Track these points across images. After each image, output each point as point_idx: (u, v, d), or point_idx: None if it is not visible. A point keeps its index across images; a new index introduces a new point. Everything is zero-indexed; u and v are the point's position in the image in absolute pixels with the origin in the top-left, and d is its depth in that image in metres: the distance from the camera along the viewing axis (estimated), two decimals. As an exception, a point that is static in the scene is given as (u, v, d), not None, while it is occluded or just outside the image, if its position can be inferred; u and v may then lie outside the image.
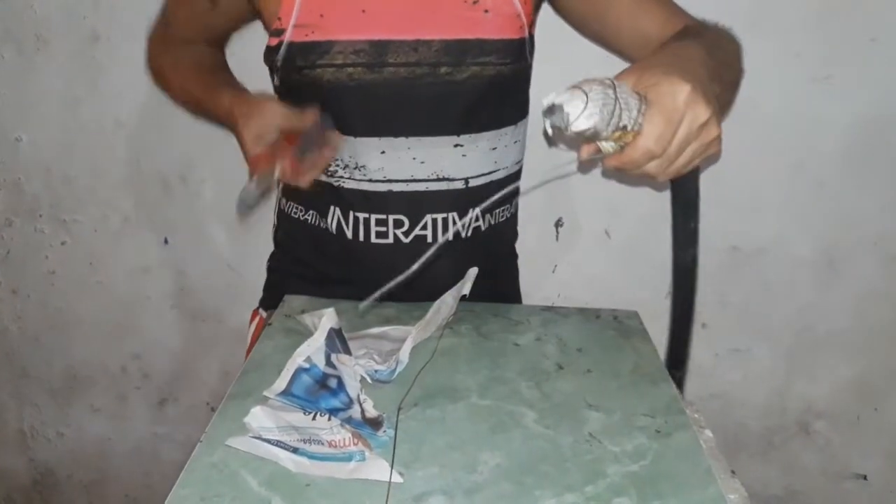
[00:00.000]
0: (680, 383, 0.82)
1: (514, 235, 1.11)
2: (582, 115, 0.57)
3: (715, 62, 0.70)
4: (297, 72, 0.89)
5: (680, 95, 0.60)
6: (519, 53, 0.93)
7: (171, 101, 1.12)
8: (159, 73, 1.07)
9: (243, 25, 1.04)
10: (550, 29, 1.03)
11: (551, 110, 0.58)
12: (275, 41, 0.89)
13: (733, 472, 0.67)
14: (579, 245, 1.36)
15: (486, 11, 0.89)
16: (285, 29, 0.88)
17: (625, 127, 0.60)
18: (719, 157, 0.69)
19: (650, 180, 0.66)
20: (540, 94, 1.02)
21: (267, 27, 0.92)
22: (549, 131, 0.60)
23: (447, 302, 0.89)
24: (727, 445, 1.44)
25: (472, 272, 0.93)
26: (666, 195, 1.25)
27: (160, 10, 1.05)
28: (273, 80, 0.96)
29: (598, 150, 0.64)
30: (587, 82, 0.58)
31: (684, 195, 0.73)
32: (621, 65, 0.99)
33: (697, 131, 0.62)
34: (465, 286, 0.91)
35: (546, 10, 0.99)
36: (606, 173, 1.28)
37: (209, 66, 1.03)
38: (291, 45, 0.88)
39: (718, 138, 0.64)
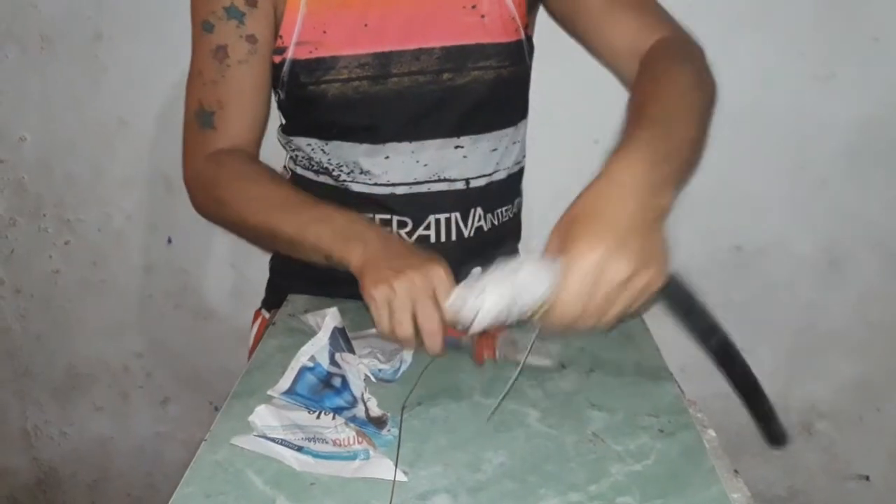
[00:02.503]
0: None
1: (518, 236, 1.11)
2: (475, 322, 0.64)
3: (661, 157, 0.67)
4: (301, 88, 0.89)
5: (589, 262, 0.60)
6: (517, 56, 0.93)
7: (235, 233, 0.96)
8: (222, 204, 0.88)
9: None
10: (553, 31, 1.03)
11: (451, 311, 0.66)
12: (277, 59, 0.89)
13: (736, 471, 0.67)
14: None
15: (484, 16, 0.90)
16: (287, 47, 0.88)
17: (536, 304, 0.64)
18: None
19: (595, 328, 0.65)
20: (542, 95, 1.04)
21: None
22: (459, 327, 0.66)
23: None
24: (730, 445, 1.43)
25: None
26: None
27: (194, 122, 0.90)
28: (277, 95, 0.95)
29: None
30: (485, 277, 0.65)
31: (671, 302, 0.70)
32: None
33: (621, 286, 0.61)
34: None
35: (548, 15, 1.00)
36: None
37: (295, 193, 0.86)
38: (295, 62, 0.88)
39: (658, 279, 0.63)
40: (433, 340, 0.71)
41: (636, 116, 0.75)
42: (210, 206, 0.91)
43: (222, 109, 0.89)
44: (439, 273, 0.72)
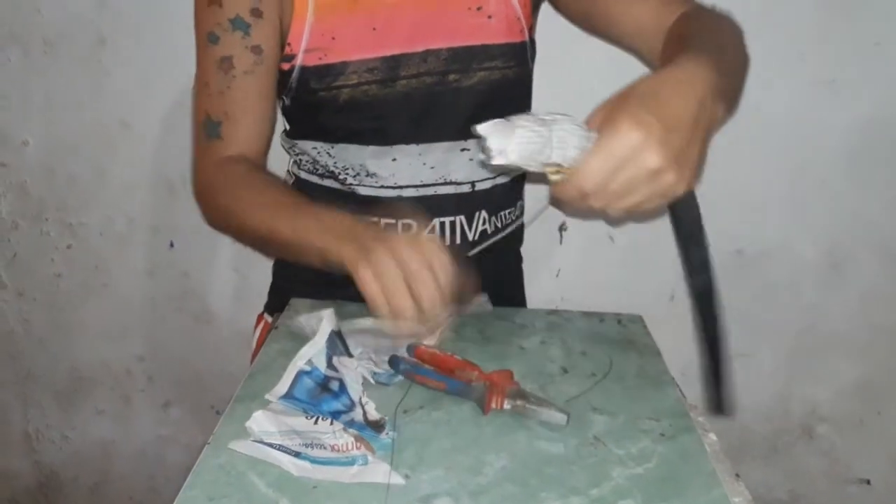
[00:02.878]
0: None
1: (520, 240, 1.11)
2: (502, 151, 0.59)
3: (721, 73, 0.66)
4: (311, 94, 0.89)
5: (628, 141, 0.58)
6: (522, 57, 0.94)
7: (241, 241, 0.96)
8: (225, 211, 0.88)
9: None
10: (557, 33, 1.04)
11: (479, 140, 0.60)
12: (286, 66, 0.89)
13: (737, 475, 0.67)
14: (583, 249, 1.36)
15: (490, 17, 0.90)
16: (295, 54, 0.88)
17: (559, 164, 0.61)
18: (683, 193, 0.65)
19: (602, 214, 0.64)
20: (543, 97, 1.04)
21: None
22: (481, 156, 0.61)
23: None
24: (731, 449, 1.44)
25: (483, 298, 0.94)
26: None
27: (202, 133, 0.90)
28: (282, 101, 0.96)
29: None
30: (525, 117, 0.60)
31: (680, 224, 0.70)
32: (624, 67, 0.99)
33: (647, 177, 0.60)
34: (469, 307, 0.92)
35: (549, 15, 1.00)
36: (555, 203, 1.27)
37: (293, 196, 0.86)
38: (304, 69, 0.88)
39: (682, 184, 0.62)
40: (431, 304, 0.68)
41: (692, 35, 0.75)
42: (215, 214, 0.91)
43: (228, 120, 0.89)
44: (432, 245, 0.70)
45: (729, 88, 0.68)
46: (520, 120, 0.60)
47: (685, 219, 0.70)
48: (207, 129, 0.90)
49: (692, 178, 0.62)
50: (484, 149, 0.60)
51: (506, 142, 0.59)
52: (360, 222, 0.77)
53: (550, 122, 0.60)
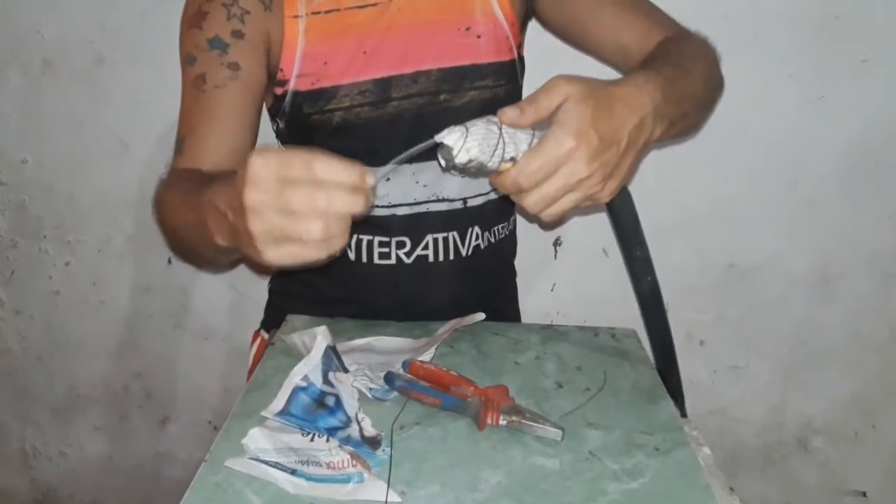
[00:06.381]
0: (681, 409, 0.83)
1: (513, 254, 1.12)
2: (462, 149, 0.63)
3: (668, 98, 0.70)
4: (304, 118, 0.90)
5: (561, 148, 0.62)
6: (512, 75, 0.95)
7: (178, 252, 0.87)
8: (161, 227, 0.83)
9: (261, 99, 0.91)
10: (546, 49, 1.05)
11: (440, 147, 0.65)
12: (279, 91, 0.90)
13: (732, 488, 0.68)
14: (578, 263, 1.37)
15: (479, 37, 0.91)
16: (288, 79, 0.89)
17: (513, 158, 0.65)
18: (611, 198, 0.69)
19: (539, 217, 0.67)
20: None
21: (270, 78, 0.90)
22: (442, 163, 0.66)
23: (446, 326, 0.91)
24: (726, 462, 1.44)
25: (479, 316, 0.94)
26: (665, 213, 1.27)
27: (173, 152, 0.87)
28: (276, 125, 0.96)
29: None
30: (476, 120, 0.65)
31: (620, 223, 0.74)
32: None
33: (576, 184, 0.64)
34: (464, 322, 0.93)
35: (538, 31, 1.01)
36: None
37: (189, 188, 0.73)
38: (297, 93, 0.90)
39: (604, 194, 0.66)
40: (345, 205, 0.58)
41: (658, 57, 0.80)
42: (161, 230, 0.84)
43: (192, 133, 0.85)
44: (292, 159, 0.57)
45: (677, 112, 0.72)
46: (469, 123, 0.65)
47: (624, 218, 0.74)
48: (175, 147, 0.86)
49: (616, 189, 0.67)
50: (445, 150, 0.64)
51: (463, 140, 0.63)
52: (215, 191, 0.63)
53: (494, 122, 0.65)
